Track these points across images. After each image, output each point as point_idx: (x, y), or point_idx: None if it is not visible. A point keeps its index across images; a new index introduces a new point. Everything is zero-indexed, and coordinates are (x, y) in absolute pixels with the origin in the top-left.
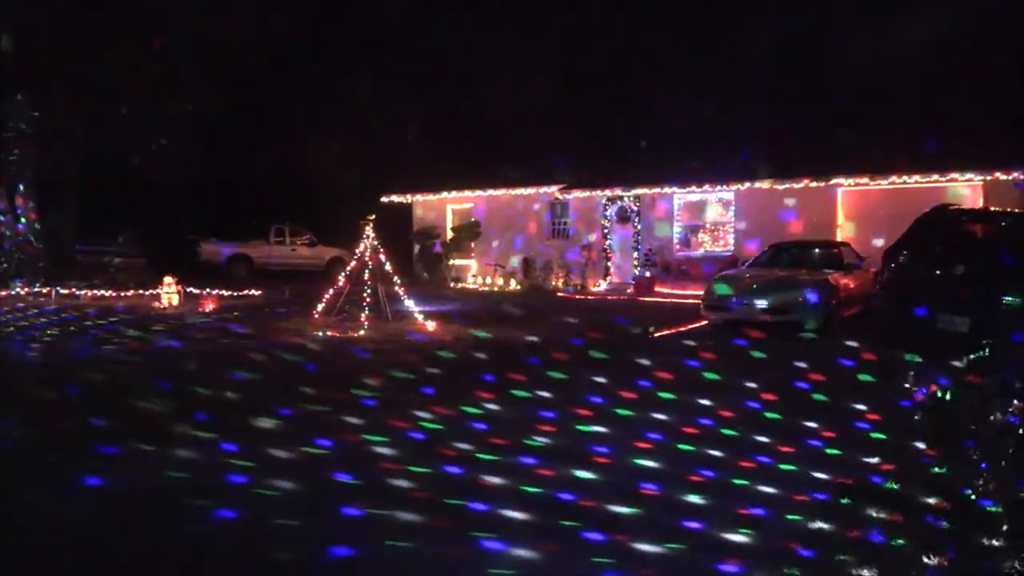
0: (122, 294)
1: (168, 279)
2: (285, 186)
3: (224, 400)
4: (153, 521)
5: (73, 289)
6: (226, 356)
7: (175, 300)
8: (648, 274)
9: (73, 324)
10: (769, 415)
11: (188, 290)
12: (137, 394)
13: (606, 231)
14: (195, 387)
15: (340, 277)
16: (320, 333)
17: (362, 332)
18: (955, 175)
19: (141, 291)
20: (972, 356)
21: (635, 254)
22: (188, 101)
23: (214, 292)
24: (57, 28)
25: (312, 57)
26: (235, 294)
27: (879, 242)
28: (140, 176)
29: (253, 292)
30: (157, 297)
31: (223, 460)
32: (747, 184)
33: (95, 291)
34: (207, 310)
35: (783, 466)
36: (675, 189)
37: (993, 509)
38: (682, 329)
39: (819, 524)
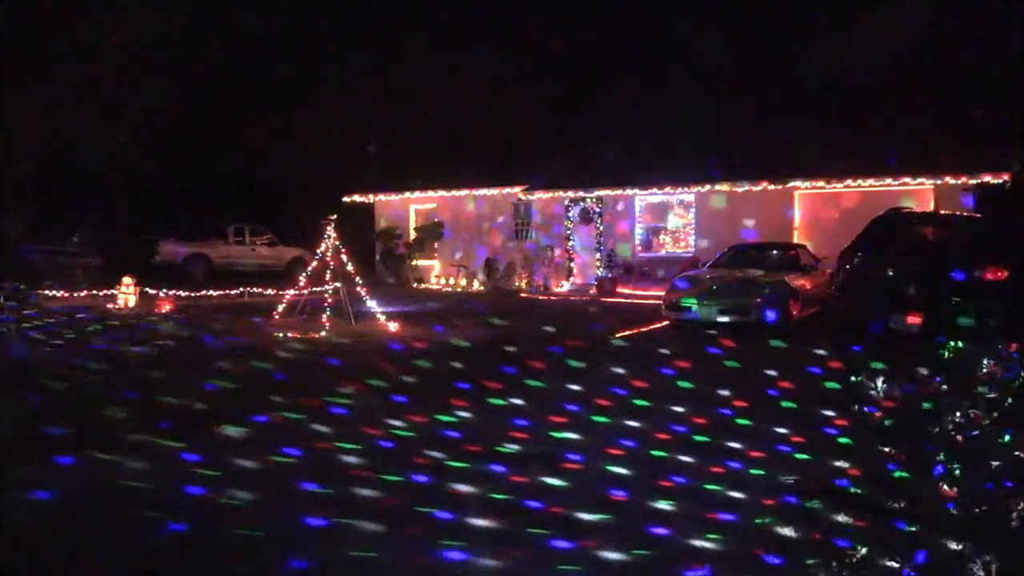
0: (75, 295)
1: (127, 280)
2: (245, 185)
3: (178, 404)
4: (105, 533)
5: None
6: (181, 359)
7: (132, 301)
8: (610, 275)
9: (13, 325)
10: (731, 418)
11: (144, 291)
12: (87, 400)
13: (569, 232)
14: (149, 392)
15: (301, 278)
16: (280, 335)
17: (323, 333)
18: (907, 179)
19: (96, 292)
20: (927, 359)
21: (597, 255)
22: (145, 98)
23: (171, 293)
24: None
25: (273, 55)
26: (193, 295)
27: (834, 244)
28: (96, 175)
29: (211, 293)
30: (112, 298)
31: (177, 467)
32: (707, 186)
33: (48, 291)
34: (164, 311)
35: (731, 465)
36: (637, 191)
37: (954, 511)
38: (643, 330)
39: (786, 529)
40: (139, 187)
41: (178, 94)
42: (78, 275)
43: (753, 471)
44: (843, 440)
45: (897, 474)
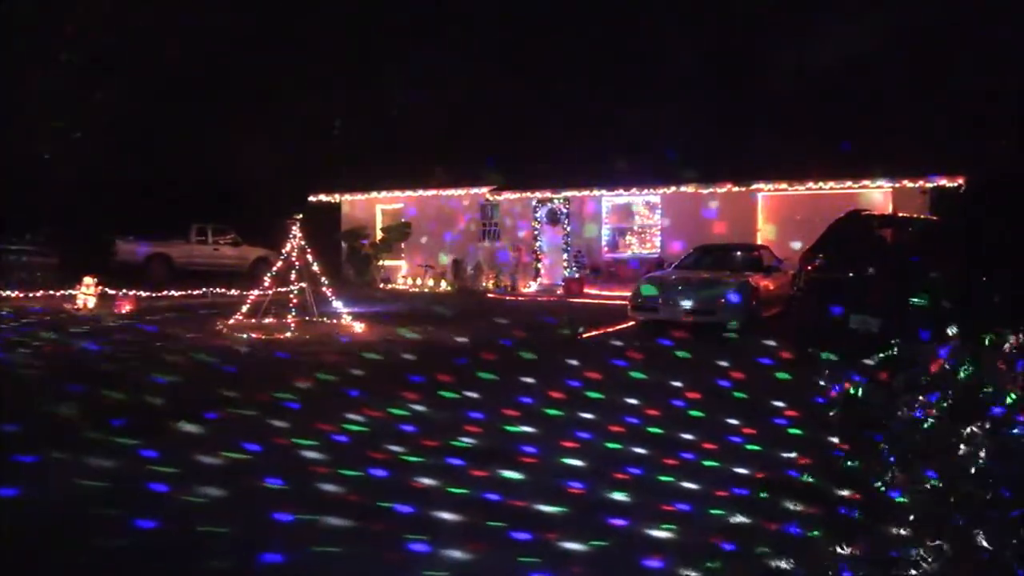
0: (31, 295)
1: (88, 279)
2: (209, 183)
3: (142, 404)
4: (67, 533)
5: None
6: (143, 359)
7: (91, 302)
8: (577, 276)
9: None
10: (693, 413)
11: (103, 291)
12: (49, 399)
13: (536, 233)
14: (110, 391)
15: (266, 278)
16: (244, 335)
17: (288, 334)
18: (867, 182)
19: (52, 292)
20: (882, 355)
21: (565, 256)
22: (105, 94)
23: (131, 293)
24: None
25: (237, 52)
26: (154, 295)
27: (796, 245)
28: (53, 171)
29: (173, 293)
30: (70, 298)
31: (142, 467)
32: (672, 188)
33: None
34: (124, 311)
35: (706, 462)
36: (604, 192)
37: (901, 500)
38: (610, 330)
39: (740, 518)
40: (98, 185)
41: (139, 91)
42: (36, 275)
43: (707, 462)
44: (795, 431)
45: (846, 463)
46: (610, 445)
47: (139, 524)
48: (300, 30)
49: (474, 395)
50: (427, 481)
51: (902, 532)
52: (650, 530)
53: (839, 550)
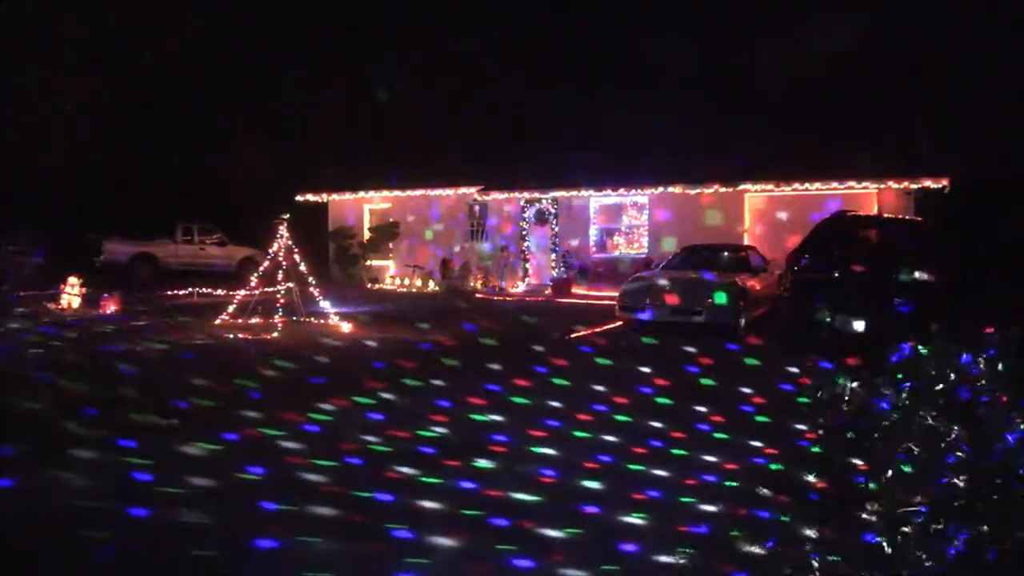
0: (16, 295)
1: (72, 280)
2: (195, 183)
3: (130, 403)
4: (50, 528)
5: None
6: (130, 360)
7: (76, 302)
8: (565, 276)
9: None
10: (682, 414)
11: (87, 291)
12: (33, 399)
13: (524, 233)
14: (95, 390)
15: (252, 278)
16: (231, 336)
17: (275, 334)
18: (852, 183)
19: (36, 292)
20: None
21: (553, 256)
22: (91, 93)
23: (116, 293)
24: None
25: (225, 52)
26: (139, 295)
27: (783, 246)
28: (38, 171)
29: (158, 293)
30: (54, 298)
31: (128, 464)
32: (661, 188)
33: None
34: (108, 312)
35: (705, 457)
36: (592, 192)
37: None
38: (598, 330)
39: (711, 506)
40: (84, 184)
41: (126, 90)
42: (20, 275)
43: (675, 451)
44: (760, 418)
45: (813, 449)
46: (584, 438)
47: (126, 516)
48: (287, 29)
49: (460, 396)
50: (407, 470)
51: (872, 519)
52: (625, 517)
53: (807, 533)
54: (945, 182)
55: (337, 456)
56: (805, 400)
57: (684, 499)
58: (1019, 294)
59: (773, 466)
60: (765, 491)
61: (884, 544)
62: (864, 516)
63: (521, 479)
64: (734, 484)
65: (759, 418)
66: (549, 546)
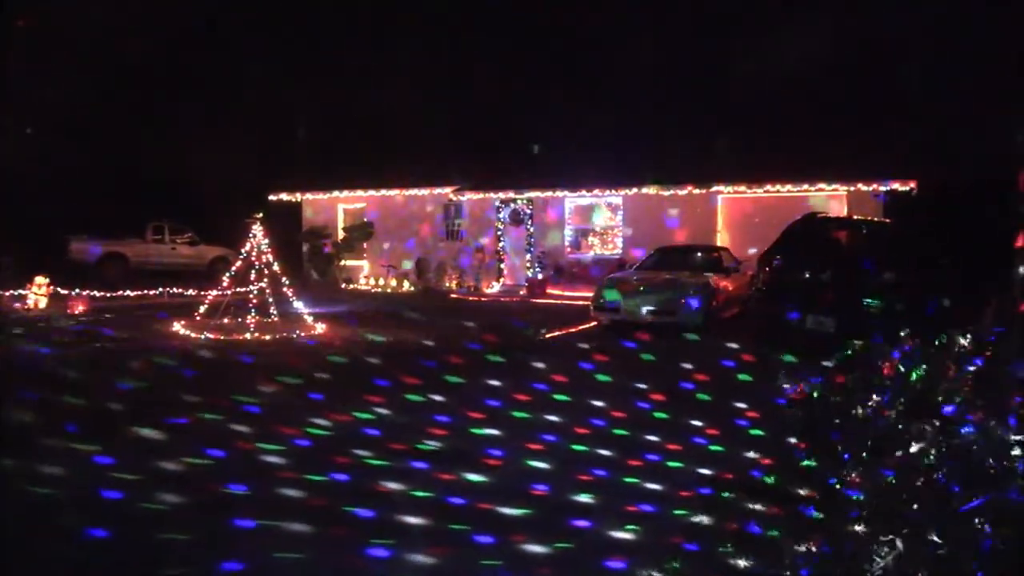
0: None
1: (40, 279)
2: (167, 182)
3: (97, 408)
4: (21, 541)
5: None
6: (98, 362)
7: (42, 302)
8: (540, 276)
9: None
10: (655, 413)
11: (54, 291)
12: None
13: (499, 233)
14: (64, 395)
15: (224, 278)
16: (202, 336)
17: (247, 335)
18: (823, 185)
19: (2, 292)
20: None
21: (528, 256)
22: (58, 90)
23: (85, 293)
24: None
25: (196, 48)
26: (108, 295)
27: (754, 247)
28: (2, 168)
29: (128, 293)
30: (19, 298)
31: (97, 473)
32: (634, 189)
33: None
34: (77, 312)
35: (670, 463)
36: (566, 193)
37: (856, 498)
38: (572, 330)
39: (701, 518)
40: (51, 182)
41: (95, 87)
42: None
43: (671, 463)
44: (755, 432)
45: (804, 463)
46: (573, 446)
47: (94, 532)
48: (260, 27)
49: (438, 397)
50: (391, 484)
51: (858, 528)
52: (613, 531)
53: (797, 548)
54: (913, 184)
55: (289, 441)
56: (746, 377)
57: (675, 512)
58: (982, 290)
59: (767, 479)
60: (757, 506)
61: (874, 554)
62: (852, 527)
63: (490, 478)
64: (727, 496)
65: (742, 423)
66: (516, 535)
